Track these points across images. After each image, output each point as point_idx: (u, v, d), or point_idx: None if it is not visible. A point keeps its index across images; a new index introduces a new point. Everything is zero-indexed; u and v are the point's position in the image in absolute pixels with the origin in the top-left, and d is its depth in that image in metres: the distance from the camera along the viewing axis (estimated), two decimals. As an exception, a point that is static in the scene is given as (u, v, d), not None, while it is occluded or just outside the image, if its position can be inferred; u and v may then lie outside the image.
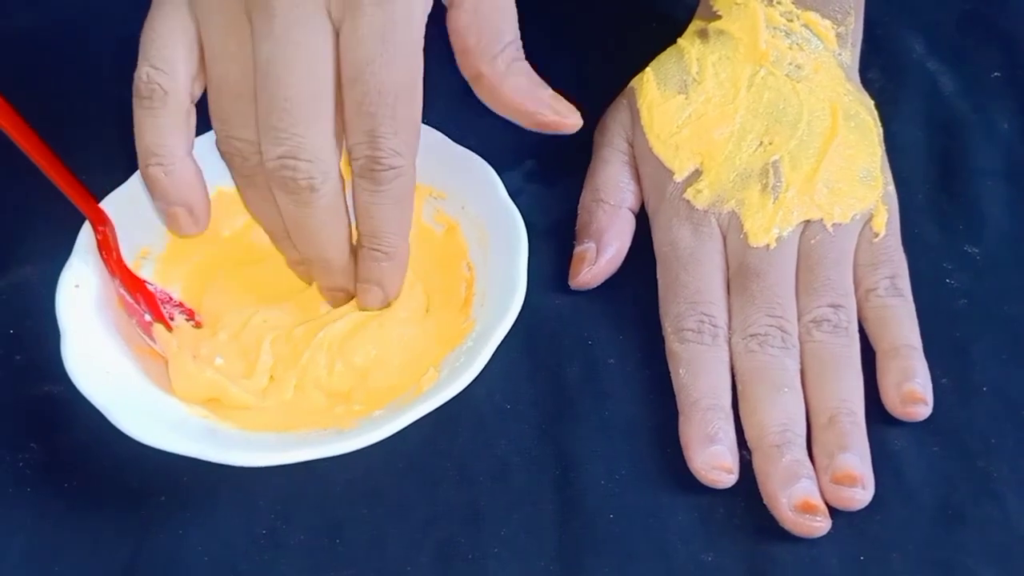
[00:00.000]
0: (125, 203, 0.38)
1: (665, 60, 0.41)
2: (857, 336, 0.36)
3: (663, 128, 0.40)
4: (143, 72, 0.33)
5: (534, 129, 0.36)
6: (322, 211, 0.33)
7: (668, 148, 0.39)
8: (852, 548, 0.33)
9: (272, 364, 0.36)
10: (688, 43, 0.41)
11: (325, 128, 0.32)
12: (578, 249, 0.39)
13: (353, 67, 0.32)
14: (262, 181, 0.34)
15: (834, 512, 0.34)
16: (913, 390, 0.35)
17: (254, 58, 0.32)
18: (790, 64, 0.40)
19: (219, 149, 0.34)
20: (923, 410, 0.35)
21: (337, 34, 0.32)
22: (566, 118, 0.35)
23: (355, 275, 0.36)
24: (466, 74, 0.35)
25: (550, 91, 0.36)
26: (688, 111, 0.40)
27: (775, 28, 0.41)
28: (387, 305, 0.36)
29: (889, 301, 0.37)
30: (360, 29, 0.31)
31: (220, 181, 0.39)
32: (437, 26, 0.47)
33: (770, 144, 0.39)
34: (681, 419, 0.35)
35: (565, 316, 0.38)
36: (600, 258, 0.38)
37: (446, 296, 0.38)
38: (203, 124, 0.39)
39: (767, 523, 0.34)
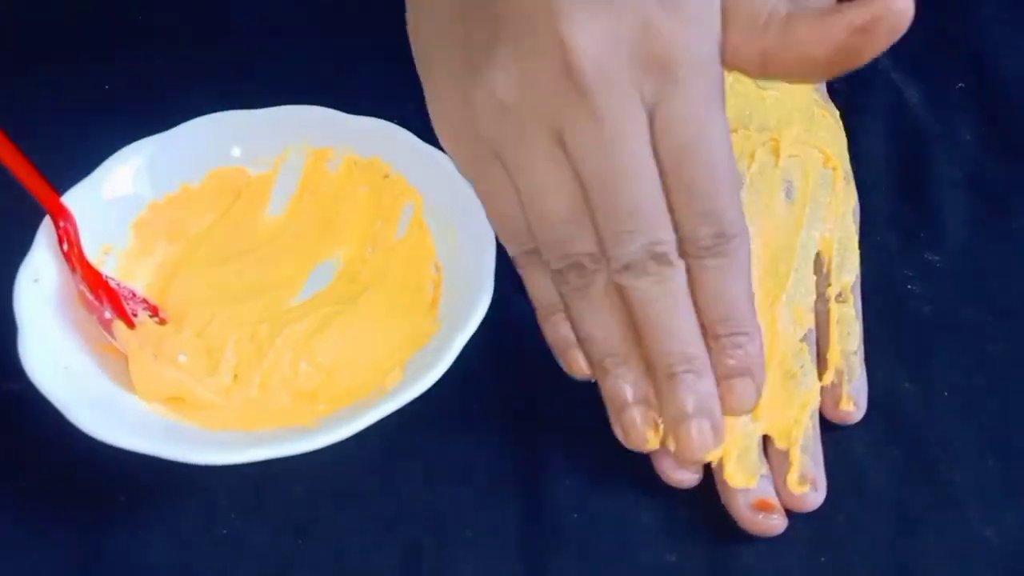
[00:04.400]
0: (88, 198, 0.37)
1: None
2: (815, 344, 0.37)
3: None
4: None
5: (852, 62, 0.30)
6: (680, 292, 0.31)
7: None
8: (813, 550, 0.34)
9: (236, 363, 0.36)
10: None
11: (665, 216, 0.30)
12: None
13: (680, 148, 0.30)
14: (599, 289, 0.31)
15: (796, 514, 0.34)
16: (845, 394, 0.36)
17: (581, 177, 0.30)
18: (758, 72, 0.40)
19: (553, 270, 0.32)
20: (855, 414, 0.36)
21: (651, 117, 0.30)
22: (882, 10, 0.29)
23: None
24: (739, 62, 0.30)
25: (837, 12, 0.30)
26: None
27: None
28: (757, 404, 0.32)
29: (833, 306, 0.37)
30: (680, 107, 0.30)
31: (185, 178, 0.39)
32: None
33: (738, 153, 0.39)
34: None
35: (532, 317, 0.38)
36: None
37: (413, 296, 0.37)
38: (165, 123, 0.39)
39: (730, 524, 0.34)
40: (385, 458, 0.35)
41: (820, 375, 0.36)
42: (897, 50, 0.46)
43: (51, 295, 0.36)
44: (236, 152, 0.39)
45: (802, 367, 0.36)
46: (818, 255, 0.38)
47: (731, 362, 0.31)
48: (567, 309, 0.33)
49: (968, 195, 0.42)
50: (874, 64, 0.45)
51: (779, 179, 0.38)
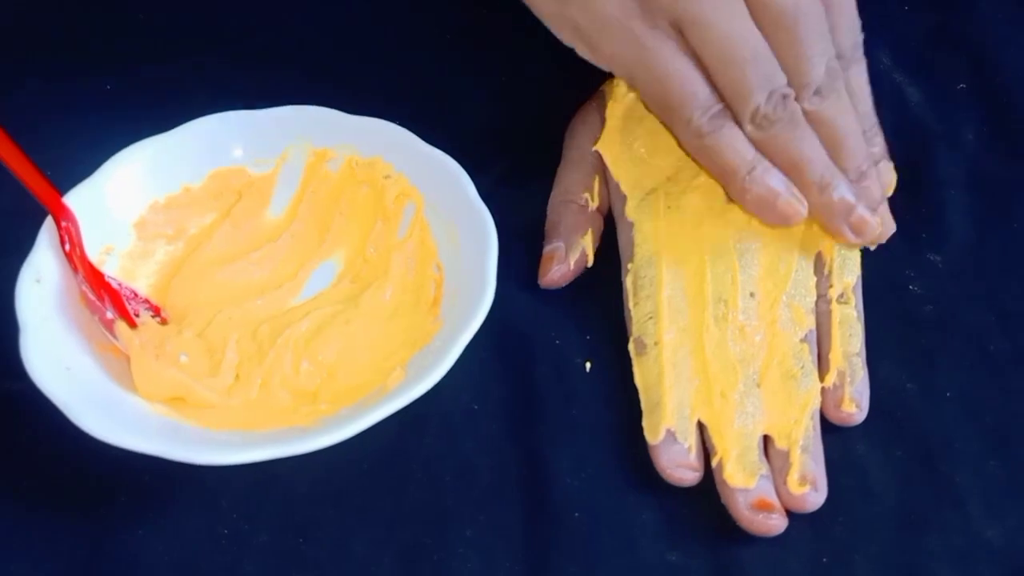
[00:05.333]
0: (90, 198, 0.37)
1: None
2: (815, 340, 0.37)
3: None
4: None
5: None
6: (850, 102, 0.37)
7: None
8: (815, 550, 0.34)
9: (238, 362, 0.36)
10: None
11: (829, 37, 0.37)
12: (547, 248, 0.39)
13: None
14: (801, 116, 0.36)
15: (797, 515, 0.34)
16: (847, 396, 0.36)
17: (766, 19, 0.35)
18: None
19: (759, 115, 0.35)
20: (857, 415, 0.36)
21: None
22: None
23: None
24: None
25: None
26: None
27: None
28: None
29: (835, 308, 0.37)
30: None
31: (187, 178, 0.39)
32: (429, 24, 0.47)
33: None
34: (645, 419, 0.35)
35: (534, 316, 0.38)
36: (569, 257, 0.38)
37: (415, 296, 0.38)
38: (166, 123, 0.39)
39: (732, 524, 0.34)
40: (387, 458, 0.35)
41: (822, 376, 0.36)
42: (899, 50, 0.46)
43: (53, 295, 0.36)
44: (237, 152, 0.40)
45: (802, 368, 0.36)
46: (819, 256, 0.38)
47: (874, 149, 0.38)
48: (776, 149, 0.36)
49: (970, 195, 0.42)
50: (876, 64, 0.45)
51: None
